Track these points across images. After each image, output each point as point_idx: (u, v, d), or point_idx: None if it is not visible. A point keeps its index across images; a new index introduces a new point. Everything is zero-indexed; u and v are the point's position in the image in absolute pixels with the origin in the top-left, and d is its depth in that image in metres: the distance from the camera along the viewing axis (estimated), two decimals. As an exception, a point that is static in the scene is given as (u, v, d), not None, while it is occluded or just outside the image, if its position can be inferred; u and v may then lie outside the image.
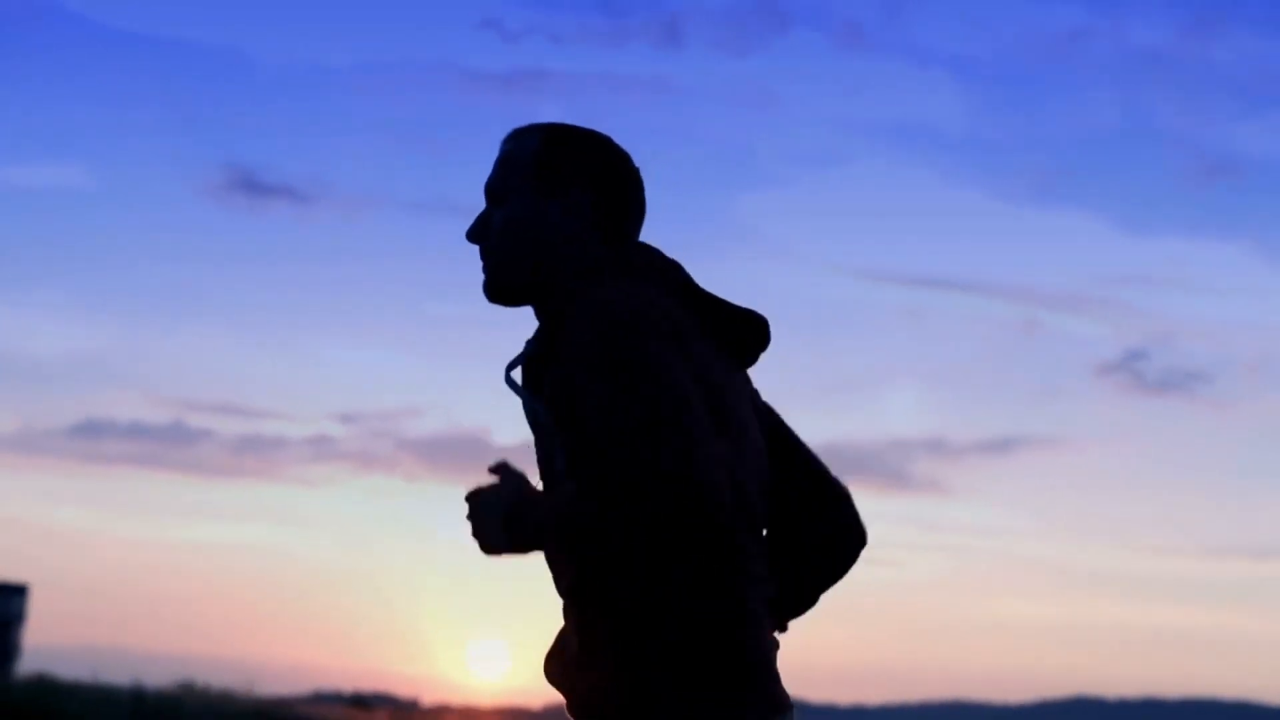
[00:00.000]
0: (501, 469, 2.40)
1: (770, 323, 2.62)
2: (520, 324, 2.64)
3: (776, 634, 2.59)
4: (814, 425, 2.81)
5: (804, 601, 2.68)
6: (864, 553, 2.68)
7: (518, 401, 2.52)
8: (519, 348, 2.58)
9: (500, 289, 2.61)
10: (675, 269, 2.58)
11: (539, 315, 2.61)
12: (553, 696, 2.59)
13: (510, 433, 2.57)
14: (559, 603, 2.56)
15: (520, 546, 2.37)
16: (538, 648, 2.62)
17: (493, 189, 2.62)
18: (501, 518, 2.34)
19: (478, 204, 2.64)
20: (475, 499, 2.39)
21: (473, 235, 2.62)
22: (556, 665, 2.54)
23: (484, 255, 2.61)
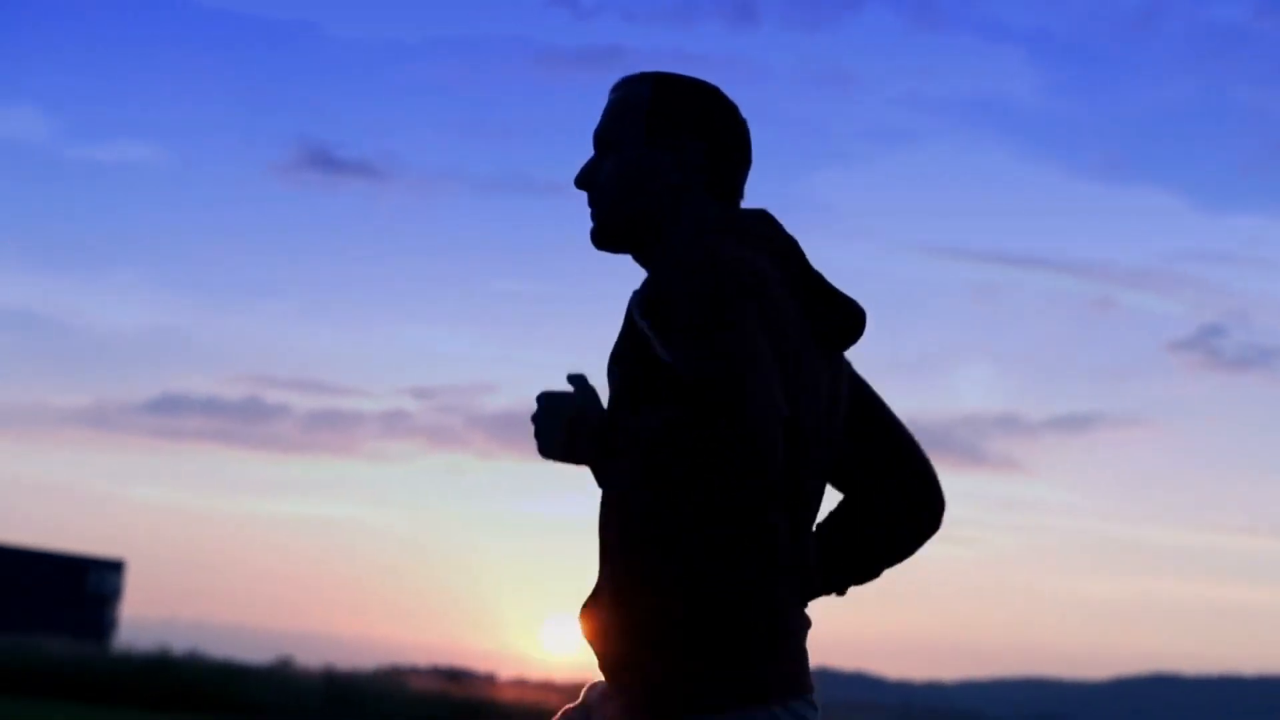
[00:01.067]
0: (578, 380, 2.44)
1: (862, 310, 2.60)
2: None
3: (831, 596, 2.64)
4: (889, 400, 2.71)
5: (869, 572, 2.68)
6: (943, 530, 2.68)
7: (589, 375, 2.49)
8: (591, 325, 2.39)
9: (609, 236, 2.60)
10: (787, 241, 2.56)
11: (643, 265, 2.62)
12: None
13: None
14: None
15: (577, 455, 2.41)
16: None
17: (602, 136, 2.62)
18: (567, 422, 2.39)
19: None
20: (546, 401, 2.43)
21: (581, 182, 2.63)
22: (588, 619, 2.54)
23: (592, 202, 2.62)
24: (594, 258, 2.65)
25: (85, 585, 38.33)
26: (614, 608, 2.48)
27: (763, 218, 2.57)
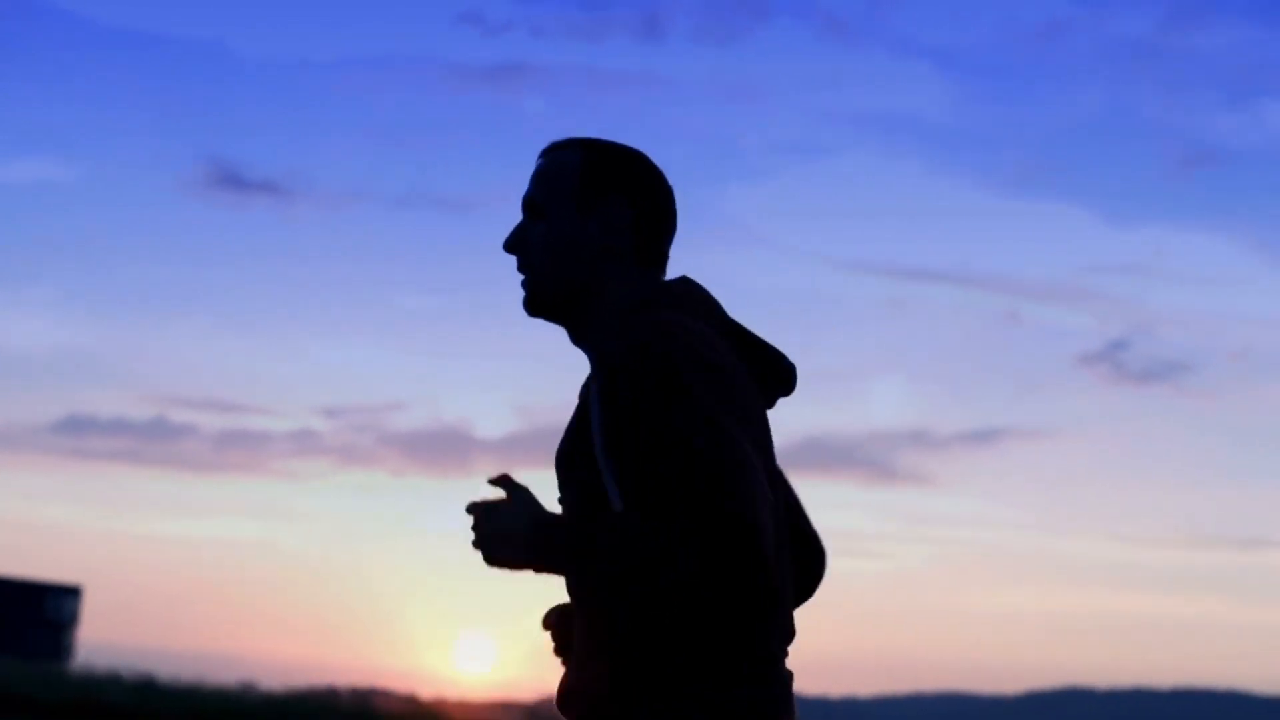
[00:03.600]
0: (507, 483, 2.44)
1: (793, 365, 2.64)
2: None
3: None
4: (798, 417, 2.87)
5: None
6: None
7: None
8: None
9: (542, 305, 2.61)
10: (714, 304, 2.59)
11: (575, 335, 2.62)
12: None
13: (492, 427, 2.64)
14: (542, 597, 2.59)
15: (537, 565, 2.40)
16: (524, 642, 2.62)
17: (531, 202, 2.62)
18: (523, 533, 2.38)
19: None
20: (486, 510, 2.42)
21: (510, 246, 2.63)
22: (569, 694, 2.52)
23: (523, 269, 2.62)
24: (502, 276, 2.65)
25: (43, 610, 38.37)
26: (601, 676, 2.45)
27: (688, 284, 2.59)
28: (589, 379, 2.52)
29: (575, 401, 2.57)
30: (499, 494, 2.46)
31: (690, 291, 2.59)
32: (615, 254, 2.59)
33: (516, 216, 2.67)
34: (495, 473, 2.46)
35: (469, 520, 2.46)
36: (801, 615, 2.71)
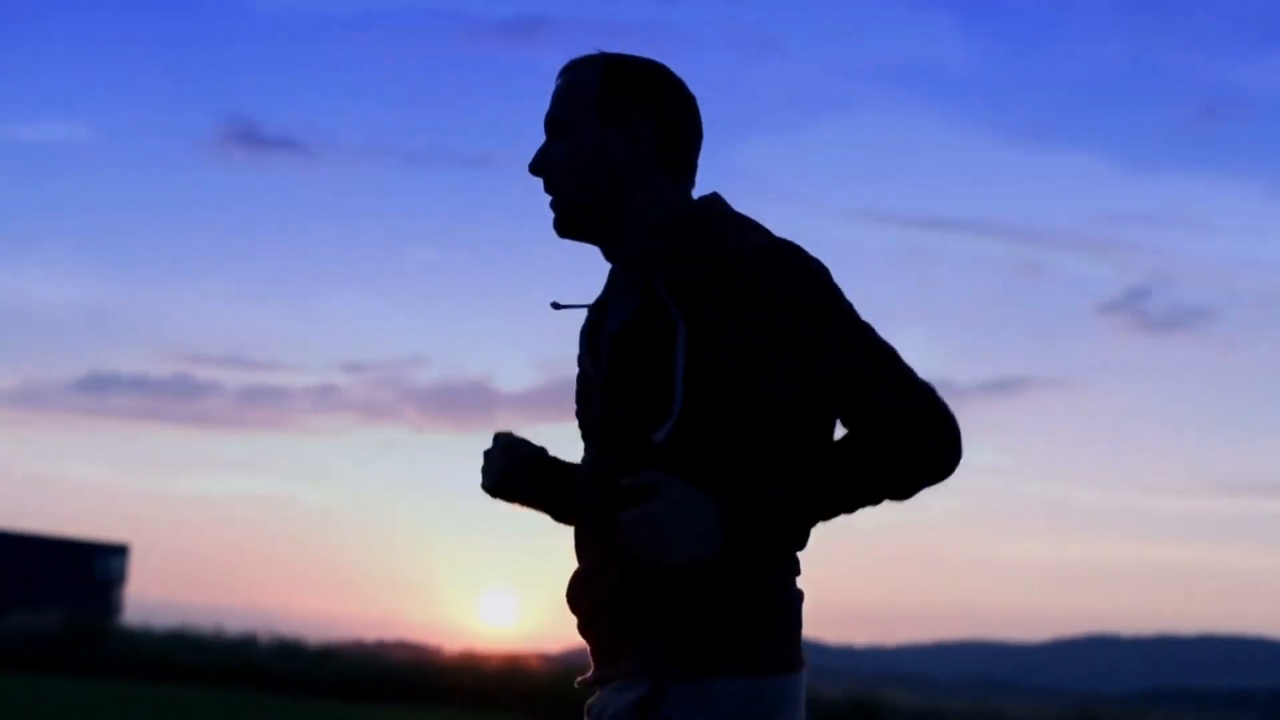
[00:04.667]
0: (648, 481, 2.34)
1: None
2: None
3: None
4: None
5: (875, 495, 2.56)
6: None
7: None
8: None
9: (572, 223, 2.57)
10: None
11: (610, 251, 2.59)
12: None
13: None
14: (569, 551, 2.56)
15: (743, 544, 2.33)
16: (546, 596, 2.58)
17: (553, 121, 2.59)
18: (711, 528, 2.31)
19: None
20: (647, 520, 2.32)
21: (535, 167, 2.59)
22: (584, 590, 2.52)
23: (549, 189, 2.58)
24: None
25: (92, 570, 38.64)
26: (618, 576, 2.43)
27: (721, 201, 2.57)
28: (624, 279, 2.53)
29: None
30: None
31: (722, 206, 2.56)
32: (642, 166, 2.55)
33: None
34: (633, 479, 2.35)
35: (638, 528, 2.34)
36: (825, 566, 2.66)
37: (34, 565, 38.59)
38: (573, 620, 2.57)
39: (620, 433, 2.47)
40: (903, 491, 2.38)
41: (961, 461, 2.38)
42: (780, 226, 2.48)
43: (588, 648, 2.55)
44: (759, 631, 2.39)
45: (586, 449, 2.59)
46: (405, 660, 24.34)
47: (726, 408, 2.39)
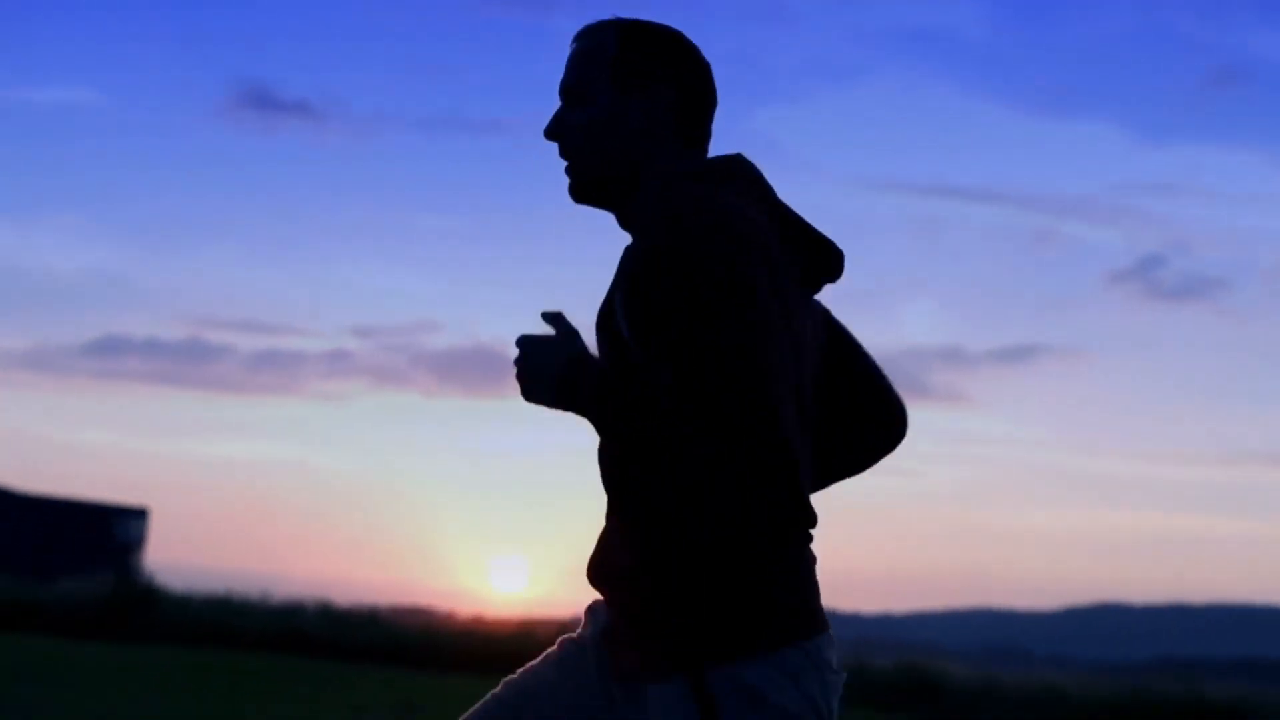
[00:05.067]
0: (557, 319, 2.44)
1: (840, 250, 2.60)
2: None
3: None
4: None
5: (821, 481, 2.71)
6: (885, 462, 2.75)
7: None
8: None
9: (588, 189, 2.57)
10: (764, 183, 2.56)
11: (623, 218, 2.58)
12: (579, 608, 2.63)
13: None
14: (578, 517, 2.61)
15: (566, 404, 2.39)
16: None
17: (569, 87, 2.59)
18: (556, 372, 2.38)
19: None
20: (530, 345, 2.42)
21: (550, 133, 2.59)
22: (602, 566, 2.54)
23: (565, 154, 2.58)
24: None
25: (112, 533, 38.92)
26: (628, 555, 2.45)
27: (740, 161, 2.55)
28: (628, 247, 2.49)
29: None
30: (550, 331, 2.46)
31: (740, 168, 2.55)
32: (657, 132, 2.55)
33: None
34: (552, 310, 2.45)
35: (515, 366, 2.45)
36: (836, 533, 2.67)
37: (53, 528, 38.78)
38: (585, 588, 2.60)
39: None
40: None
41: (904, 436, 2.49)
42: (790, 195, 2.53)
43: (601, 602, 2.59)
44: (779, 604, 2.40)
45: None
46: (422, 625, 24.42)
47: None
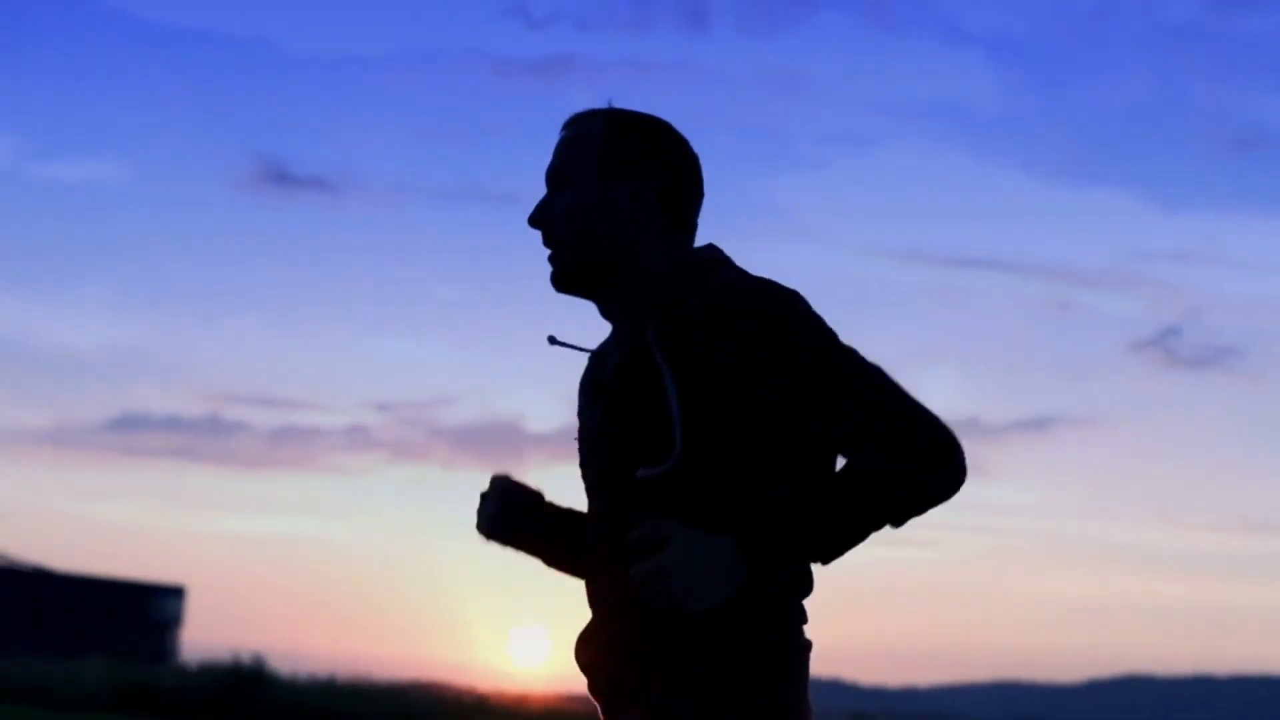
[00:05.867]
0: (653, 532, 2.33)
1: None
2: (563, 308, 2.57)
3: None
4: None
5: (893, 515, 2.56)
6: (905, 533, 2.50)
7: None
8: (545, 334, 2.62)
9: (571, 277, 2.55)
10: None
11: (606, 308, 2.58)
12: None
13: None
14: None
15: (764, 577, 2.32)
16: (578, 634, 2.55)
17: (556, 173, 2.56)
18: (731, 568, 2.29)
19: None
20: (663, 570, 2.29)
21: (535, 219, 2.56)
22: (594, 648, 2.50)
23: (549, 242, 2.56)
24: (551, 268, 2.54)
25: (148, 611, 38.81)
26: (633, 630, 2.42)
27: (717, 252, 2.55)
28: (621, 335, 2.52)
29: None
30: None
31: (723, 258, 2.55)
32: (643, 222, 2.52)
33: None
34: (639, 533, 2.36)
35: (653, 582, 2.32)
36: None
37: (88, 607, 38.66)
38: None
39: (621, 482, 2.45)
40: (911, 512, 2.36)
41: (966, 479, 2.38)
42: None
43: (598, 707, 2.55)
44: (773, 681, 2.37)
45: (591, 503, 2.57)
46: (453, 700, 24.62)
47: (723, 448, 2.37)
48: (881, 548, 2.67)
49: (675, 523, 2.32)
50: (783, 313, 2.36)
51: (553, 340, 2.60)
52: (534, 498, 2.67)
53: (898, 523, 2.34)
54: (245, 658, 23.70)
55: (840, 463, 2.42)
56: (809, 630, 2.48)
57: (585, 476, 2.59)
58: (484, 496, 2.64)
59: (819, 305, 2.50)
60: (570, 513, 2.69)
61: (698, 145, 2.62)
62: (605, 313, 2.58)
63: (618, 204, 2.52)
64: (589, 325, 2.62)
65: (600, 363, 2.58)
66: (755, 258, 2.58)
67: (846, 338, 2.44)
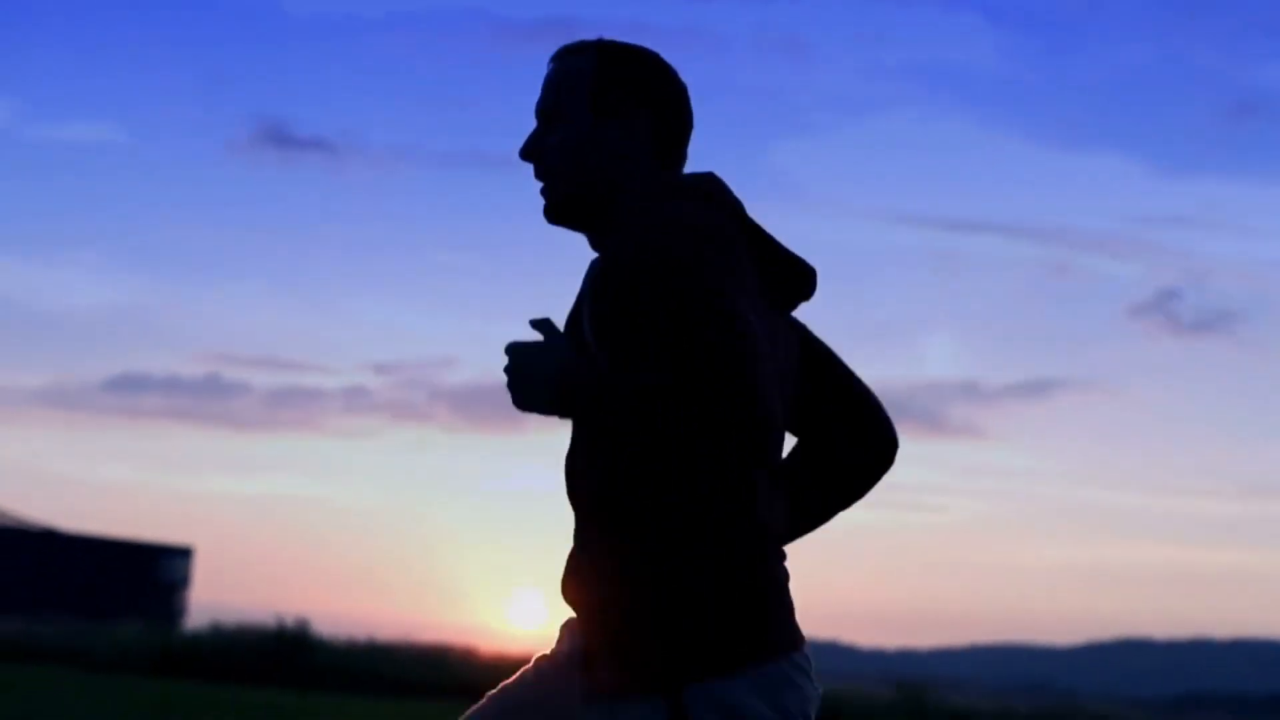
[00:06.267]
0: (545, 325, 2.40)
1: (812, 268, 2.58)
2: (563, 270, 2.54)
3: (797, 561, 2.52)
4: (852, 367, 2.67)
5: (822, 514, 2.69)
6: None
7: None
8: (551, 297, 2.59)
9: (564, 210, 2.55)
10: (736, 202, 2.54)
11: (596, 241, 2.57)
12: None
13: None
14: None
15: (560, 408, 2.36)
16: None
17: (545, 109, 2.57)
18: (553, 373, 2.34)
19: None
20: (520, 352, 2.38)
21: (526, 153, 2.57)
22: (573, 585, 2.50)
23: (541, 176, 2.56)
24: (552, 229, 2.56)
25: (155, 572, 38.98)
26: (602, 573, 2.42)
27: (712, 179, 2.53)
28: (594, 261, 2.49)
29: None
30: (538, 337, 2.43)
31: (712, 185, 2.53)
32: (634, 154, 2.53)
33: None
34: (540, 316, 2.42)
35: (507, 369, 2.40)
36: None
37: (96, 568, 38.83)
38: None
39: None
40: (850, 491, 2.46)
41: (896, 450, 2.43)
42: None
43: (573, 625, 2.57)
44: (755, 621, 2.38)
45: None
46: (453, 659, 24.77)
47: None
48: (878, 511, 2.71)
49: (562, 334, 2.41)
50: (643, 286, 2.33)
51: (534, 323, 2.54)
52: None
53: (835, 502, 2.50)
54: (289, 621, 23.83)
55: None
56: (811, 574, 2.54)
57: None
58: (525, 352, 2.42)
59: (821, 270, 2.55)
60: None
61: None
62: (595, 244, 2.59)
63: (609, 137, 2.54)
64: (583, 259, 2.60)
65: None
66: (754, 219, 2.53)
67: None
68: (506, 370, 2.39)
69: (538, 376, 2.36)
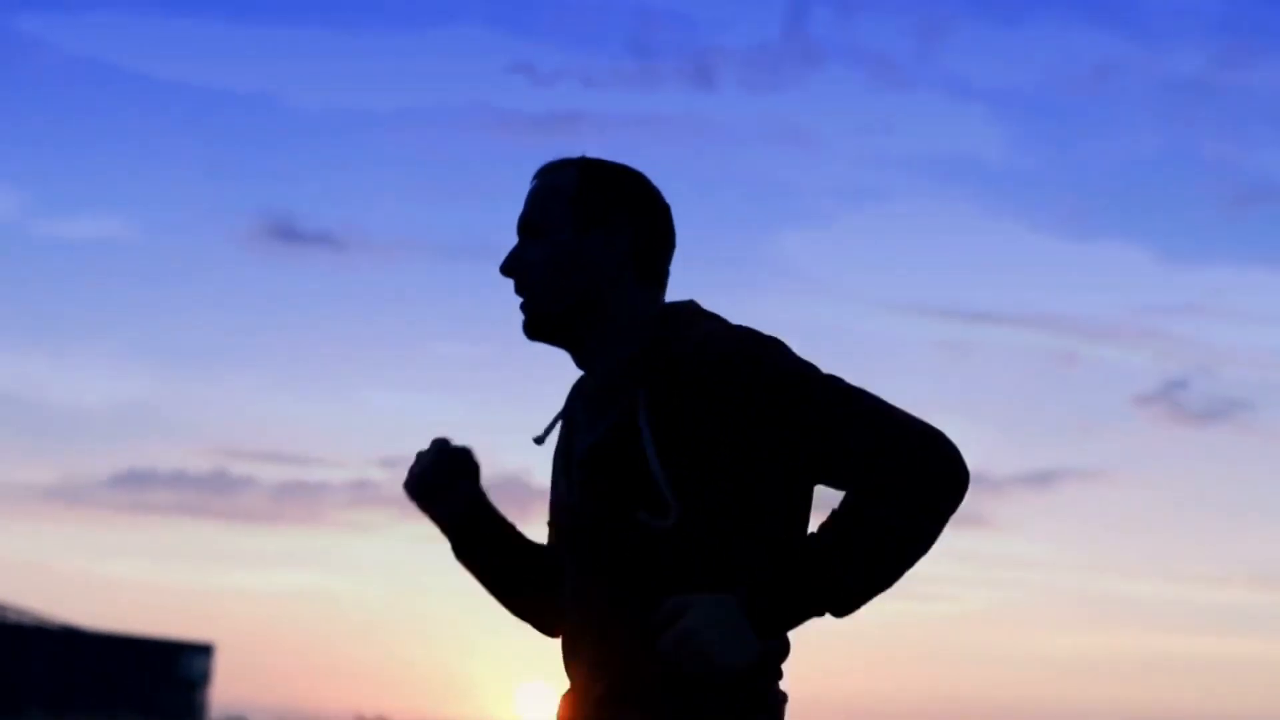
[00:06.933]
0: (676, 607, 2.30)
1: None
2: (563, 359, 2.57)
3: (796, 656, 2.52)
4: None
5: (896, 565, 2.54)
6: (911, 587, 2.50)
7: (552, 442, 2.55)
8: (556, 391, 2.61)
9: (544, 326, 2.53)
10: None
11: (580, 357, 2.56)
12: None
13: (549, 475, 2.62)
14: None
15: (774, 630, 2.31)
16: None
17: (528, 223, 2.55)
18: (746, 622, 2.28)
19: (510, 245, 2.59)
20: (688, 634, 2.28)
21: (506, 269, 2.55)
22: (575, 710, 2.49)
23: (521, 290, 2.55)
24: None
25: (177, 669, 38.43)
26: (618, 636, 2.40)
27: (698, 307, 2.53)
28: (596, 390, 2.49)
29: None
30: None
31: (702, 313, 2.53)
32: (617, 272, 2.51)
33: None
34: (659, 614, 2.33)
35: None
36: (863, 662, 2.72)
37: (117, 665, 38.39)
38: None
39: (605, 552, 2.43)
40: (928, 527, 2.33)
41: (969, 480, 2.38)
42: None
43: None
44: (759, 682, 2.37)
45: (567, 568, 2.54)
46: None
47: (715, 504, 2.35)
48: (885, 601, 2.54)
49: (691, 596, 2.31)
50: (767, 361, 2.34)
51: (540, 441, 2.59)
52: (471, 466, 2.66)
53: (917, 538, 2.33)
54: None
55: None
56: (838, 677, 2.54)
57: (559, 541, 2.59)
58: (420, 455, 2.64)
59: (826, 359, 2.50)
60: (513, 528, 2.71)
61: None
62: (580, 362, 2.57)
63: (590, 253, 2.50)
64: (570, 374, 2.61)
65: (570, 432, 2.58)
66: (761, 311, 2.50)
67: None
68: (681, 652, 2.28)
69: (733, 635, 2.28)
